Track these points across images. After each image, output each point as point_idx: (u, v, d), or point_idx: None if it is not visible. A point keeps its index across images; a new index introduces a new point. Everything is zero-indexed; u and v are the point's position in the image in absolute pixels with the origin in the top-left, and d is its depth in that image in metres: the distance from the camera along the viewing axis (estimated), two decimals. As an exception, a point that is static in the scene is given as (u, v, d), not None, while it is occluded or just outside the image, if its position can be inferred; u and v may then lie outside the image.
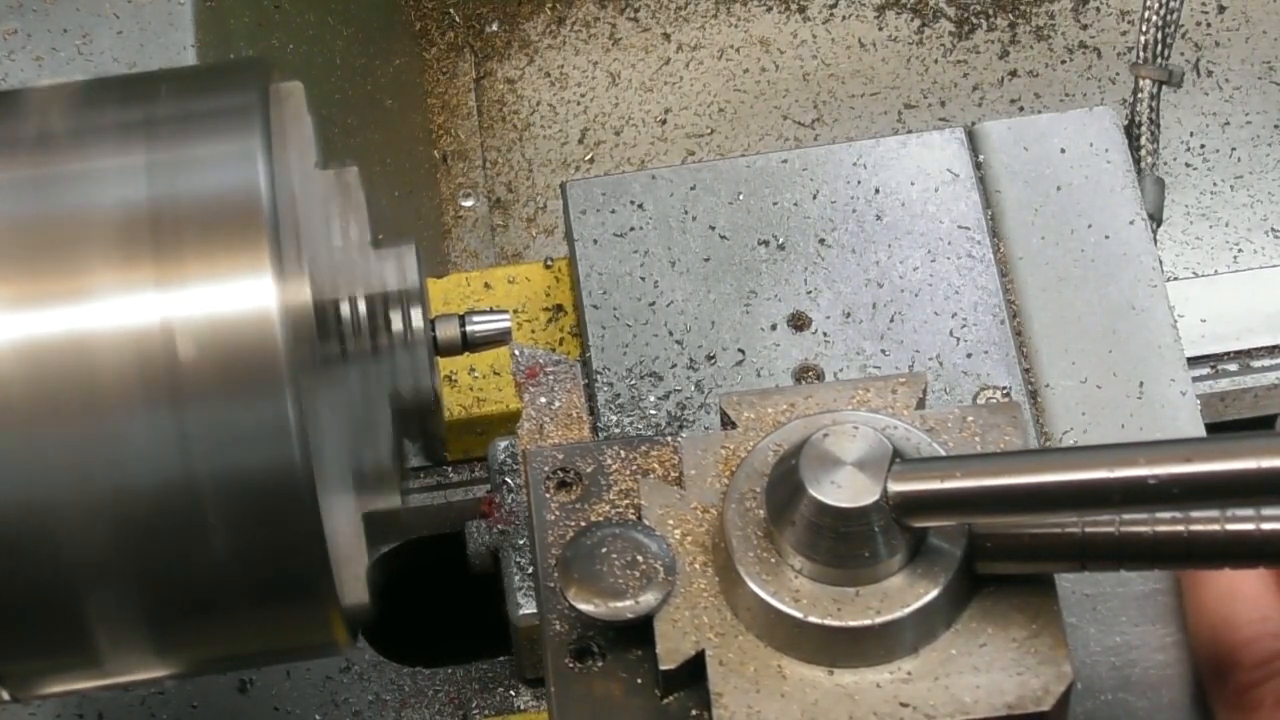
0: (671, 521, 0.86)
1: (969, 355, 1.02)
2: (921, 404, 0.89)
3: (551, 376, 0.94)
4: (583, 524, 0.88)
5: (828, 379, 1.01)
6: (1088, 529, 0.81)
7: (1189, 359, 1.03)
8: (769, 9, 1.85)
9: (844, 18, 1.84)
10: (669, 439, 0.90)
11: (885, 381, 0.89)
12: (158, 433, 0.73)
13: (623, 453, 0.90)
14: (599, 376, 1.02)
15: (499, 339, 0.94)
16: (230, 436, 0.73)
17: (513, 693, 1.01)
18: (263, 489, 0.74)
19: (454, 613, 1.09)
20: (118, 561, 0.74)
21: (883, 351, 1.02)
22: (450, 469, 1.09)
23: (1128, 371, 1.02)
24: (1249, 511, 0.80)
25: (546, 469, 0.90)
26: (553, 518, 0.89)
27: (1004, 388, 1.00)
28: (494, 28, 1.85)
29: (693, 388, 1.01)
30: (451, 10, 1.86)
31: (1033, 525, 0.82)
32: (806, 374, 1.01)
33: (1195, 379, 1.06)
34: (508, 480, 0.97)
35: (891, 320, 1.03)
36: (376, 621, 0.84)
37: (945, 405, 0.99)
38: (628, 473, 0.90)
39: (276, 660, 0.94)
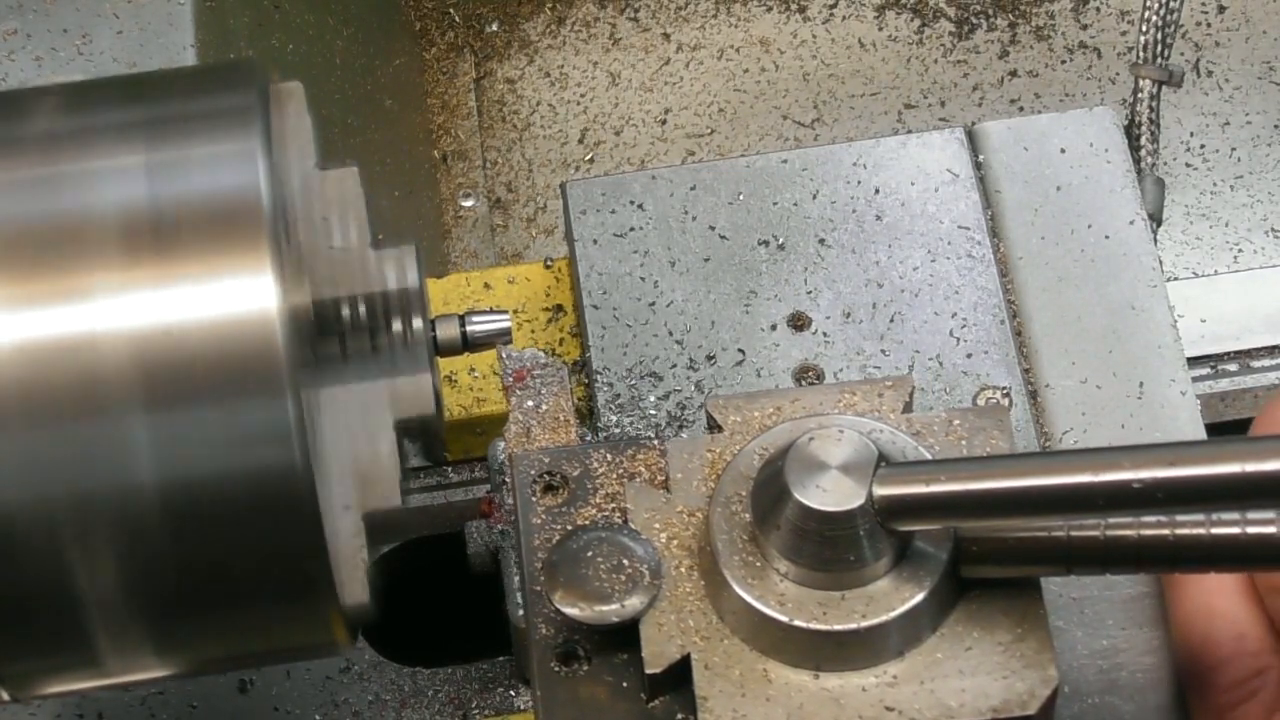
0: (657, 525, 0.86)
1: (969, 355, 1.02)
2: (908, 407, 0.89)
3: (539, 380, 0.94)
4: (569, 527, 0.88)
5: (828, 379, 1.01)
6: (1073, 533, 0.81)
7: (1189, 359, 1.03)
8: (769, 9, 1.85)
9: (844, 18, 1.84)
10: (655, 442, 0.90)
11: (872, 385, 0.89)
12: (158, 433, 0.73)
13: (609, 456, 0.90)
14: (599, 376, 1.02)
15: (499, 339, 0.94)
16: (230, 436, 0.73)
17: (513, 693, 1.01)
18: (263, 489, 0.74)
19: (454, 613, 1.09)
20: (118, 561, 0.74)
21: (883, 352, 1.02)
22: (450, 469, 1.09)
23: (1128, 371, 1.02)
24: (1234, 515, 0.80)
25: (533, 473, 0.90)
26: (539, 521, 0.89)
27: (1004, 388, 1.00)
28: (494, 28, 1.85)
29: (693, 388, 1.01)
30: (451, 10, 1.86)
31: (1018, 529, 0.82)
32: (806, 374, 1.01)
33: (1195, 379, 1.06)
34: (507, 480, 0.97)
35: (891, 320, 1.03)
36: (377, 621, 0.84)
37: (938, 407, 0.99)
38: (614, 476, 0.90)
39: (276, 660, 0.94)
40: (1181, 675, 0.90)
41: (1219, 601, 0.89)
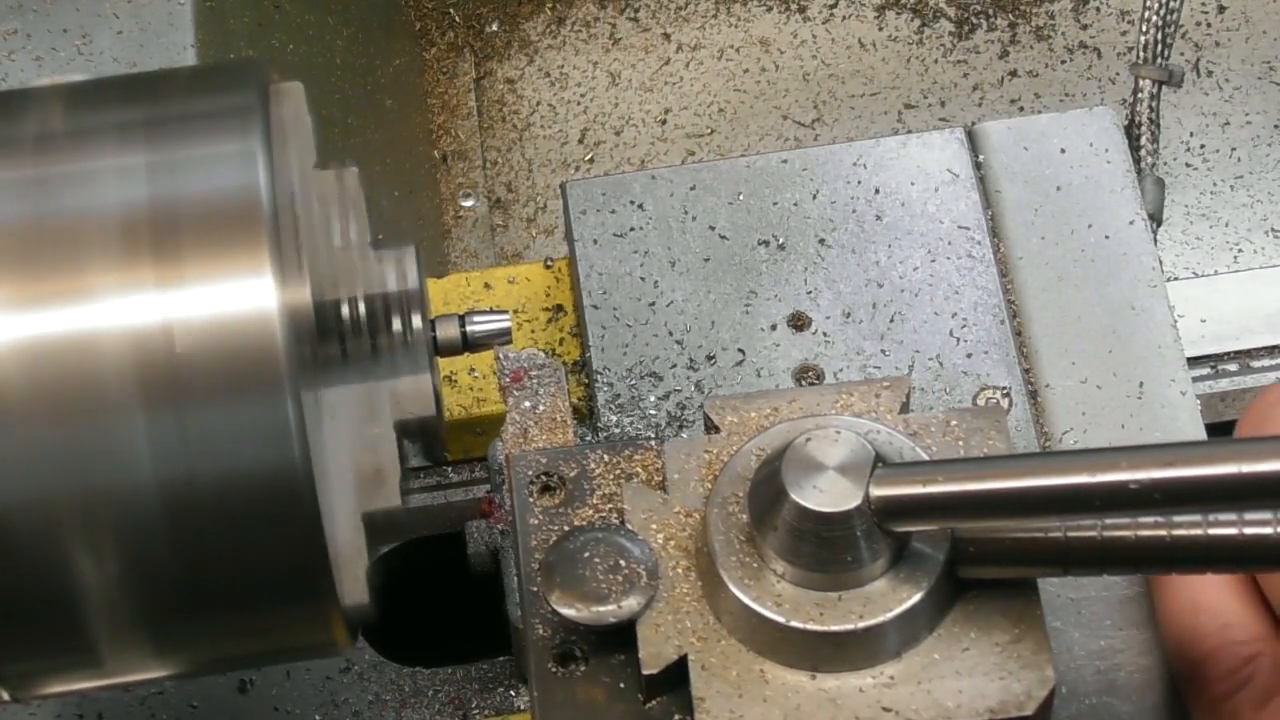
0: (654, 526, 0.86)
1: (969, 355, 1.02)
2: (905, 408, 0.89)
3: (536, 380, 0.95)
4: (566, 528, 0.88)
5: (828, 379, 1.01)
6: (1070, 533, 0.81)
7: (1189, 359, 1.03)
8: (769, 9, 1.85)
9: (844, 18, 1.84)
10: (652, 443, 0.90)
11: (869, 385, 0.89)
12: (158, 433, 0.73)
13: (606, 457, 0.90)
14: (599, 376, 1.02)
15: (499, 339, 0.94)
16: (230, 436, 0.73)
17: (513, 693, 1.01)
18: (263, 489, 0.74)
19: (454, 613, 1.09)
20: (118, 561, 0.74)
21: (883, 352, 1.02)
22: (450, 469, 1.09)
23: (1128, 371, 1.02)
24: (1231, 516, 0.80)
25: (530, 473, 0.90)
26: (536, 522, 0.89)
27: (1004, 388, 1.00)
28: (494, 28, 1.85)
29: (693, 388, 1.01)
30: (451, 10, 1.86)
31: (1015, 529, 0.82)
32: (806, 374, 1.01)
33: (1195, 379, 1.06)
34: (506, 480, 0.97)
35: (891, 320, 1.03)
36: (377, 621, 0.84)
37: (938, 407, 0.99)
38: (611, 477, 0.90)
39: (276, 660, 0.94)
40: (1173, 673, 0.90)
41: (1203, 595, 0.89)
